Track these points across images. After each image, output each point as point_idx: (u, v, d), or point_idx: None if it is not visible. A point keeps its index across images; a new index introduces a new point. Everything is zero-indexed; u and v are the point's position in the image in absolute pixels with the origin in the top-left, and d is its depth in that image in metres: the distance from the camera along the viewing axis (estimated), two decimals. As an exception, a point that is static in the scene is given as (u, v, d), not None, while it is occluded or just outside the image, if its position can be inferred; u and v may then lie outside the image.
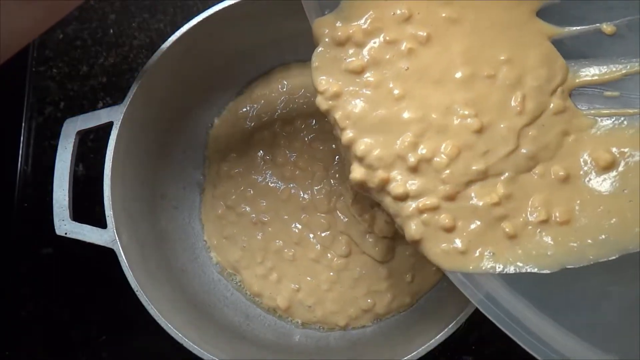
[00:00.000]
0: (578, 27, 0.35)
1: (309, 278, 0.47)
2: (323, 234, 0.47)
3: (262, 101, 0.50)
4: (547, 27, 0.35)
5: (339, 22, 0.34)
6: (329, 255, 0.47)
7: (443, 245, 0.33)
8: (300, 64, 0.50)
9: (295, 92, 0.50)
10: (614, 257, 0.32)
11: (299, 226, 0.48)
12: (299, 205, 0.48)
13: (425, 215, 0.33)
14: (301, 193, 0.48)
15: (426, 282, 0.46)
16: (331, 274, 0.47)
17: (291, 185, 0.49)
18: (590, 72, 0.35)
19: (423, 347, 0.38)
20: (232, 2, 0.42)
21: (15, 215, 0.51)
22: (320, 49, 0.35)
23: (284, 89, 0.50)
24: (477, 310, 0.37)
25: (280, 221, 0.48)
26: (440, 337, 0.38)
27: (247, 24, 0.45)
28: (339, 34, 0.34)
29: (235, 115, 0.50)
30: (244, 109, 0.50)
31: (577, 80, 0.35)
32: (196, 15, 0.42)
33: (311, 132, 0.49)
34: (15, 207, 0.51)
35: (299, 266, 0.47)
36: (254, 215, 0.48)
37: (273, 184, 0.49)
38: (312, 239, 0.47)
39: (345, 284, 0.46)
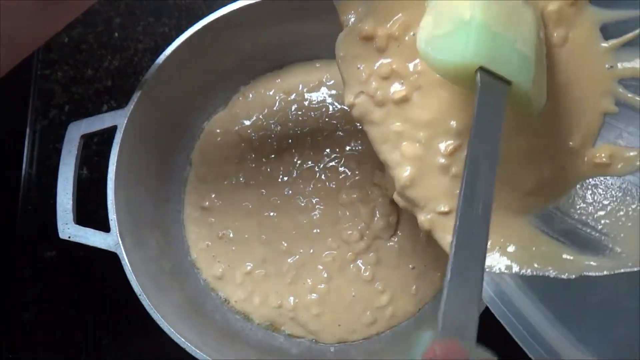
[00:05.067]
0: (624, 11, 0.32)
1: (292, 298, 0.46)
2: (290, 260, 0.46)
3: (256, 102, 0.50)
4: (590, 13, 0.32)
5: (361, 7, 0.33)
6: (309, 280, 0.46)
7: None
8: (302, 65, 0.50)
9: (291, 92, 0.49)
10: (637, 269, 0.30)
11: (262, 248, 0.47)
12: (258, 222, 0.47)
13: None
14: (263, 209, 0.47)
15: (430, 289, 0.46)
16: (315, 296, 0.46)
17: (248, 203, 0.47)
18: (634, 63, 0.32)
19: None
20: (237, 6, 0.42)
21: (19, 219, 0.51)
22: (343, 35, 0.34)
23: (281, 90, 0.50)
24: (481, 316, 0.37)
25: (242, 239, 0.47)
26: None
27: (252, 27, 0.45)
28: (366, 28, 0.33)
29: (228, 117, 0.50)
30: (237, 111, 0.50)
31: (619, 72, 0.32)
32: (201, 19, 0.42)
33: (287, 135, 0.49)
34: (19, 210, 0.51)
35: (277, 286, 0.46)
36: (222, 232, 0.47)
37: (237, 195, 0.48)
38: (281, 263, 0.46)
39: (337, 309, 0.45)
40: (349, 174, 0.47)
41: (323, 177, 0.47)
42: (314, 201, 0.47)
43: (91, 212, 0.47)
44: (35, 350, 0.50)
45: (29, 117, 0.53)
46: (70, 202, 0.41)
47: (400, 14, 0.33)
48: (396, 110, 0.34)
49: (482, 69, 0.27)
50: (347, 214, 0.46)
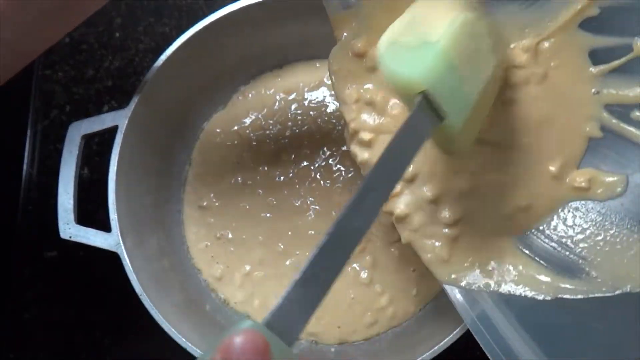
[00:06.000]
0: (613, 38, 0.32)
1: None
2: (287, 262, 0.46)
3: (256, 101, 0.50)
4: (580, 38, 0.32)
5: (355, 23, 0.34)
6: None
7: (429, 254, 0.34)
8: (302, 64, 0.50)
9: (290, 92, 0.49)
10: (610, 294, 0.31)
11: (260, 249, 0.46)
12: (254, 223, 0.47)
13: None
14: (260, 209, 0.47)
15: (432, 289, 0.45)
16: None
17: (245, 204, 0.47)
18: (620, 90, 0.32)
19: (428, 353, 0.38)
20: (237, 6, 0.42)
21: (20, 219, 0.51)
22: (336, 49, 0.35)
23: (281, 89, 0.50)
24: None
25: (240, 240, 0.47)
26: (445, 342, 0.38)
27: (252, 27, 0.45)
28: (359, 45, 0.34)
29: (227, 117, 0.50)
30: (237, 110, 0.50)
31: (605, 97, 0.32)
32: (201, 20, 0.42)
33: (285, 135, 0.48)
34: (20, 210, 0.51)
35: (276, 288, 0.46)
36: (220, 233, 0.47)
37: (235, 195, 0.47)
38: (278, 265, 0.46)
39: (336, 312, 0.45)
40: (343, 173, 0.47)
41: (318, 176, 0.47)
42: (308, 202, 0.47)
43: (92, 212, 0.47)
44: (35, 350, 0.50)
45: (29, 117, 0.53)
46: (71, 202, 0.41)
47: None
48: (359, 150, 0.35)
49: (425, 94, 0.27)
50: None
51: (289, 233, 0.47)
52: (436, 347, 0.38)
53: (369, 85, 0.35)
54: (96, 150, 0.52)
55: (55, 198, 0.41)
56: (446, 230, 0.34)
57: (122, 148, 0.41)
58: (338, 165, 0.48)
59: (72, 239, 0.40)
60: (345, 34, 0.34)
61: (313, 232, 0.46)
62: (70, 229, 0.40)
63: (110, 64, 0.54)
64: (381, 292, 0.45)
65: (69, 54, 0.54)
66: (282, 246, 0.46)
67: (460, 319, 0.37)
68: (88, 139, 0.43)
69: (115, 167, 0.41)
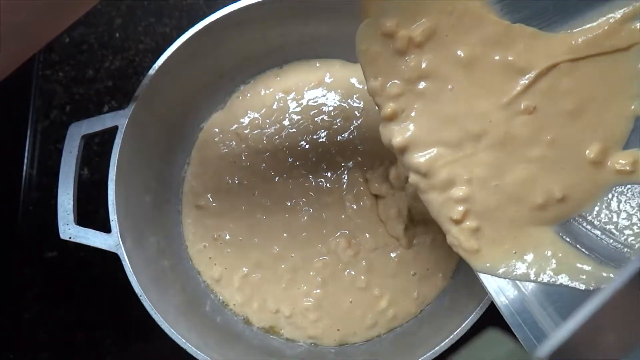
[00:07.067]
0: None
1: (289, 303, 0.45)
2: (283, 265, 0.46)
3: (255, 101, 0.50)
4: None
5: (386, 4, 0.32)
6: (304, 286, 0.45)
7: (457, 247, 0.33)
8: (302, 64, 0.50)
9: (290, 91, 0.49)
10: None
11: (256, 251, 0.46)
12: (249, 224, 0.47)
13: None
14: (255, 211, 0.47)
15: (432, 290, 0.45)
16: (312, 301, 0.45)
17: (241, 205, 0.47)
18: None
19: (429, 354, 0.38)
20: (238, 6, 0.42)
21: (20, 219, 0.51)
22: (364, 26, 0.33)
23: (280, 89, 0.49)
24: (482, 316, 0.37)
25: (237, 242, 0.47)
26: (445, 343, 0.38)
27: (252, 27, 0.45)
28: (389, 24, 0.32)
29: (226, 116, 0.50)
30: (236, 110, 0.50)
31: None
32: (202, 20, 0.42)
33: (282, 135, 0.48)
34: (20, 210, 0.51)
35: (274, 291, 0.45)
36: (217, 234, 0.47)
37: (231, 196, 0.47)
38: (275, 268, 0.46)
39: (334, 315, 0.45)
40: (335, 171, 0.47)
41: (310, 176, 0.47)
42: (301, 202, 0.47)
43: (92, 212, 0.47)
44: (35, 350, 0.50)
45: (30, 117, 0.53)
46: (71, 202, 0.40)
47: (424, 19, 0.32)
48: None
49: None
50: (332, 216, 0.46)
51: (284, 235, 0.46)
52: (437, 348, 0.37)
53: (395, 81, 0.33)
54: (96, 151, 0.52)
55: (55, 198, 0.41)
56: (461, 224, 0.33)
57: (122, 148, 0.41)
58: (331, 164, 0.47)
59: (72, 239, 0.40)
60: (374, 10, 0.32)
61: (306, 234, 0.46)
62: (70, 230, 0.40)
63: (110, 64, 0.54)
64: (380, 295, 0.45)
65: (70, 54, 0.54)
66: (277, 249, 0.46)
67: (461, 319, 0.38)
68: (88, 139, 0.43)
69: (115, 168, 0.41)
